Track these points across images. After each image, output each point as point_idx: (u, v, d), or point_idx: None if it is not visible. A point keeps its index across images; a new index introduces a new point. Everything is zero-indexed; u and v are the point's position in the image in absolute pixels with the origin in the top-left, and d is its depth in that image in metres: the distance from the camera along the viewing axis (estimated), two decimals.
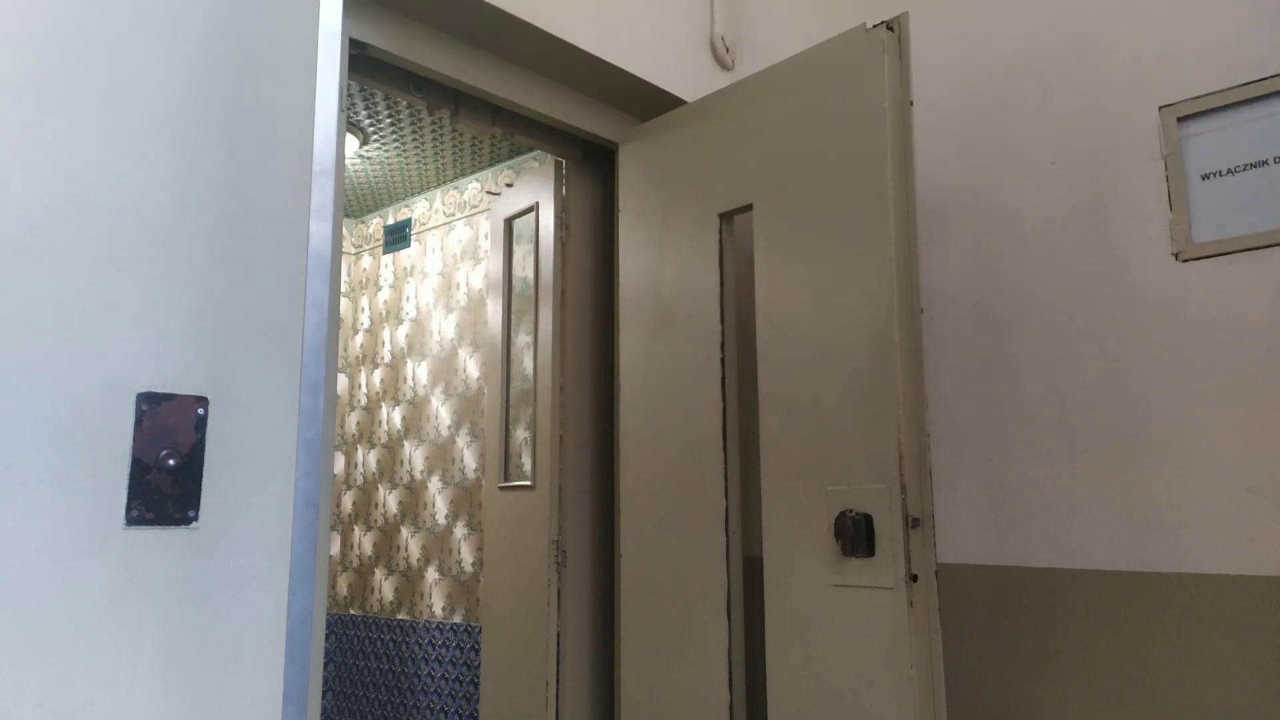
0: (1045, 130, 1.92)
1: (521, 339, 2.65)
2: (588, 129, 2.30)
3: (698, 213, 2.08)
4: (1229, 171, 1.67)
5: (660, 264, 2.16)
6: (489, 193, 2.71)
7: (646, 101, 2.34)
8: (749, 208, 1.96)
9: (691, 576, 1.97)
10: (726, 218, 2.05)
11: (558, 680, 2.25)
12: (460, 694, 3.11)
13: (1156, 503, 1.69)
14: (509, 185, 2.68)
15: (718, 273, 2.01)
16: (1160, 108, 1.77)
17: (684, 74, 2.37)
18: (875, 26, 1.75)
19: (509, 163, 3.42)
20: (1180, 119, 1.74)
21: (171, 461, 1.39)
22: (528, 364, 2.63)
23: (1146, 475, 1.71)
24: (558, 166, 2.48)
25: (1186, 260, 1.70)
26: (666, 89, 2.29)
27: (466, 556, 3.09)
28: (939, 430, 2.00)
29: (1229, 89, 1.69)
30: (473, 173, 3.42)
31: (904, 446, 1.59)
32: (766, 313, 1.88)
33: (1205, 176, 1.70)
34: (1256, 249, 1.63)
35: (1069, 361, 1.83)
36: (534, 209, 2.54)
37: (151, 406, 1.39)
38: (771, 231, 1.90)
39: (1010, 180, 1.96)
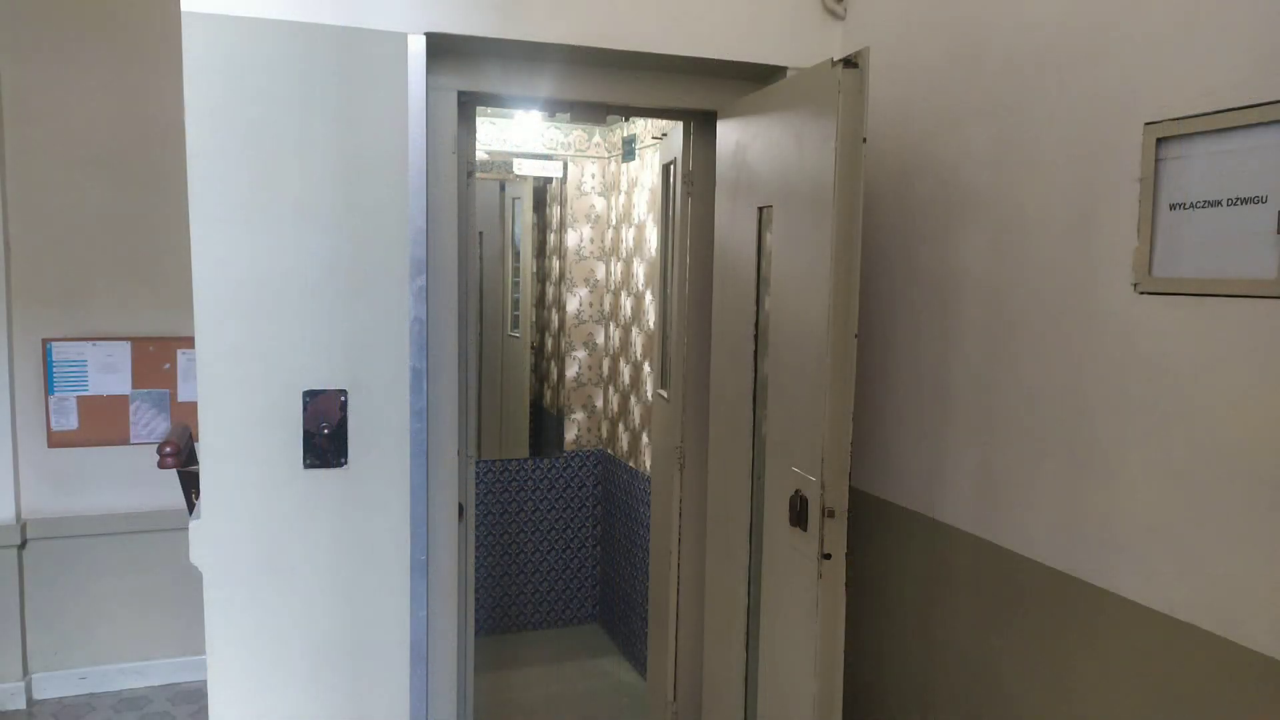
0: (1050, 131, 1.88)
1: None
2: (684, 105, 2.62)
3: (745, 203, 2.39)
4: (1191, 206, 1.59)
5: (730, 233, 2.51)
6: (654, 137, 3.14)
7: (748, 72, 2.57)
8: (771, 208, 2.23)
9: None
10: (763, 211, 2.33)
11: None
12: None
13: (1159, 505, 1.74)
14: (665, 135, 3.09)
15: (755, 258, 2.33)
16: (1145, 124, 1.67)
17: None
18: (835, 63, 1.89)
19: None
20: (1160, 140, 1.64)
21: (326, 430, 2.23)
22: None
23: (1148, 477, 1.73)
24: (685, 126, 2.83)
25: (1143, 293, 1.68)
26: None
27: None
28: (941, 427, 2.19)
29: (1207, 114, 1.56)
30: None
31: (826, 451, 1.92)
32: (777, 303, 2.20)
33: (1174, 206, 1.62)
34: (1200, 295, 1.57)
35: (1070, 362, 1.88)
36: (674, 162, 2.95)
37: (313, 398, 2.23)
38: (781, 230, 2.17)
39: (1017, 181, 1.96)
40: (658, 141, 3.40)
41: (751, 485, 2.40)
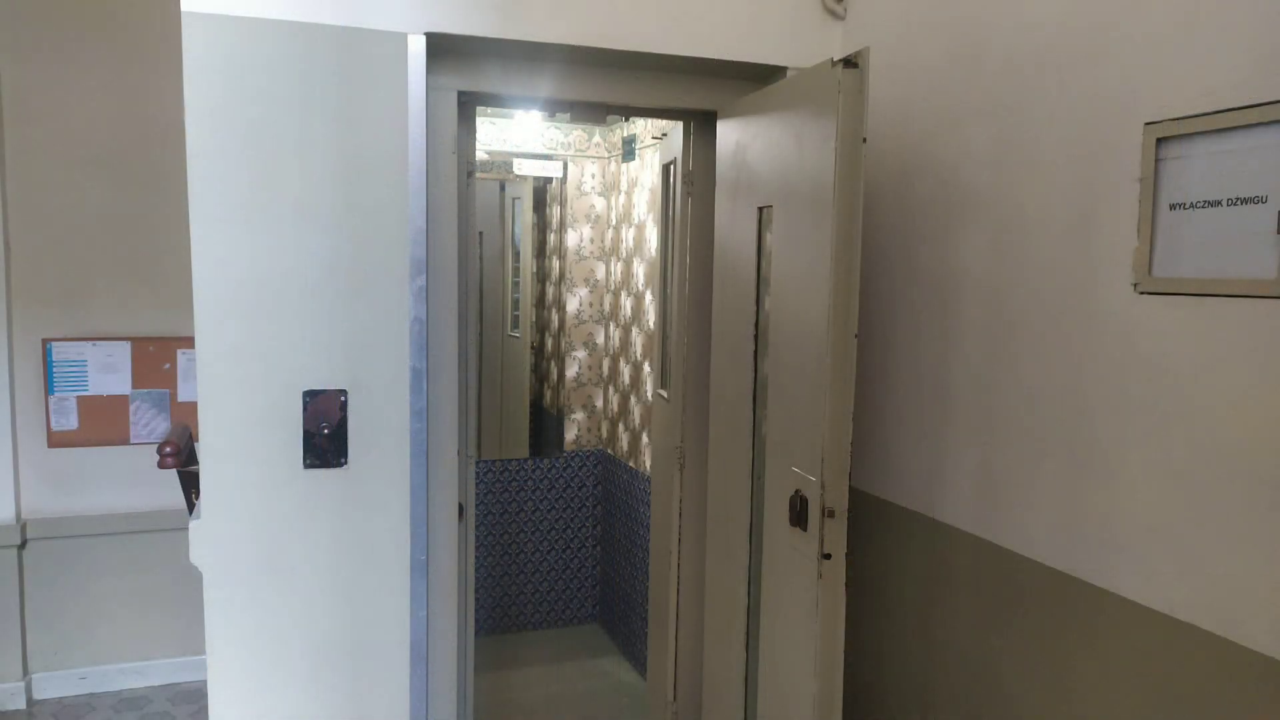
0: (1050, 131, 1.88)
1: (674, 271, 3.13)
2: (684, 105, 2.62)
3: (745, 203, 2.39)
4: (1191, 206, 1.59)
5: (730, 233, 2.51)
6: (654, 137, 3.14)
7: (748, 72, 2.57)
8: (771, 208, 2.23)
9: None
10: (763, 211, 2.33)
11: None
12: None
13: (1159, 505, 1.72)
14: (665, 135, 3.08)
15: (755, 258, 2.33)
16: (1145, 124, 1.67)
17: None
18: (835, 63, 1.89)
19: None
20: (1159, 140, 1.64)
21: (326, 430, 2.23)
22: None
23: (1148, 477, 1.73)
24: (685, 125, 2.83)
25: (1143, 293, 1.68)
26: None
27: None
28: (941, 427, 2.19)
29: (1207, 114, 1.56)
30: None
31: (826, 450, 1.92)
32: (777, 303, 2.19)
33: (1174, 206, 1.62)
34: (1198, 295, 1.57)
35: (1070, 362, 1.88)
36: (674, 162, 2.94)
37: (313, 398, 2.23)
38: (781, 230, 2.17)
39: (1017, 181, 1.96)
40: (658, 141, 3.40)
41: (751, 485, 2.40)
